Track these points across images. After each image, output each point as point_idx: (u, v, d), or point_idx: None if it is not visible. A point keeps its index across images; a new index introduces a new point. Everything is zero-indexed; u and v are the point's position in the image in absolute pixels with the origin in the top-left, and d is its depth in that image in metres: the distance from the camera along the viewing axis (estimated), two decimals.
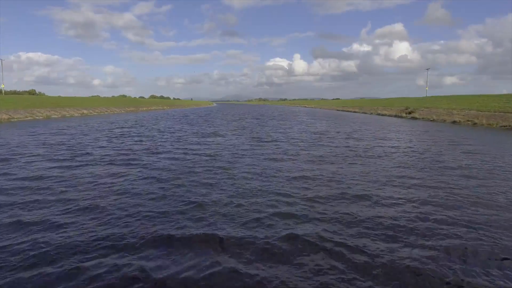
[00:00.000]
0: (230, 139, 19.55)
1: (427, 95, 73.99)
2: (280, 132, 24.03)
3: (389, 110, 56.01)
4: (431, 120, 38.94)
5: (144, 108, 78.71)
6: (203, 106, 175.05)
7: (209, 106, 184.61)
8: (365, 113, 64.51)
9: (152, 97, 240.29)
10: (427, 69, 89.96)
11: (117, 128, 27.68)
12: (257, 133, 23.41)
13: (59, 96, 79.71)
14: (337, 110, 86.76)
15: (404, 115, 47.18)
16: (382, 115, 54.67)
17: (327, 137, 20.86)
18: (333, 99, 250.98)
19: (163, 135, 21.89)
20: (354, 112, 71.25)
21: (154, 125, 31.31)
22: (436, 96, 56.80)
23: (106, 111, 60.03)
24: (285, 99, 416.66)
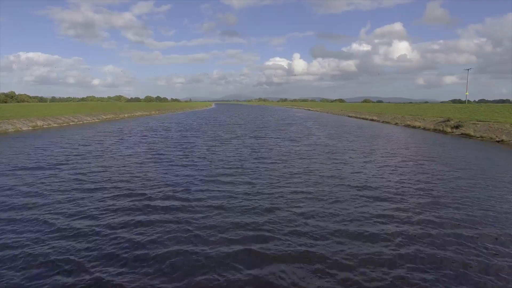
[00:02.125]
0: (188, 244, 8.61)
1: (468, 102, 62.20)
2: (305, 195, 13.09)
3: (421, 120, 45.02)
4: (498, 142, 28.04)
5: (126, 115, 67.58)
6: (199, 108, 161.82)
7: (205, 108, 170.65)
8: (387, 122, 53.53)
9: (147, 98, 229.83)
10: (468, 69, 76.03)
11: (25, 162, 16.71)
12: (259, 193, 12.51)
13: (23, 104, 68.78)
14: (349, 116, 75.64)
15: (448, 130, 36.19)
16: (414, 127, 43.69)
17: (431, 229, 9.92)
18: (336, 99, 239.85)
19: (28, 209, 10.95)
20: (372, 120, 60.27)
21: (84, 160, 20.29)
22: (489, 104, 45.40)
23: (73, 121, 49.06)
24: (285, 99, 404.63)
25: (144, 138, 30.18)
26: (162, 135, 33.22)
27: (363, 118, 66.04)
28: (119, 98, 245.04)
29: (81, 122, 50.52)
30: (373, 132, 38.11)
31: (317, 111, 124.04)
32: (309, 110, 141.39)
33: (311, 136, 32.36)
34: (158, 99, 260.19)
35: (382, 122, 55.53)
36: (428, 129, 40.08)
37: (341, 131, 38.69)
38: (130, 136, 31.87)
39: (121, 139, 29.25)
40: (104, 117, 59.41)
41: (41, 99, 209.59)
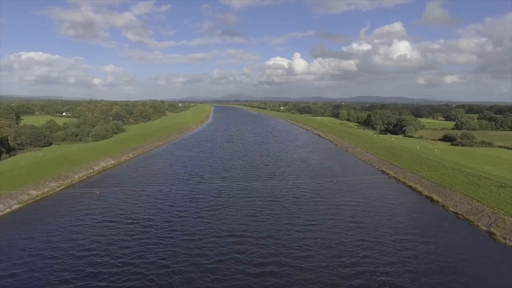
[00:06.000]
0: None
1: None
2: None
3: None
4: None
5: (76, 177, 47.55)
6: (193, 129, 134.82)
7: (200, 126, 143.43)
8: (470, 222, 33.78)
9: (141, 107, 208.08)
10: None
11: None
12: None
13: None
14: (384, 172, 55.10)
15: None
16: None
17: None
18: (337, 99, 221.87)
19: None
20: (432, 201, 40.56)
21: None
22: None
23: None
24: (286, 103, 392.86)
25: None
26: None
27: (413, 189, 46.14)
28: (114, 103, 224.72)
29: None
30: None
31: (330, 141, 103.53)
32: (319, 136, 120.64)
33: None
34: (154, 106, 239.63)
35: (454, 213, 35.97)
36: None
37: None
38: None
39: None
40: (35, 193, 39.58)
41: (29, 108, 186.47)
